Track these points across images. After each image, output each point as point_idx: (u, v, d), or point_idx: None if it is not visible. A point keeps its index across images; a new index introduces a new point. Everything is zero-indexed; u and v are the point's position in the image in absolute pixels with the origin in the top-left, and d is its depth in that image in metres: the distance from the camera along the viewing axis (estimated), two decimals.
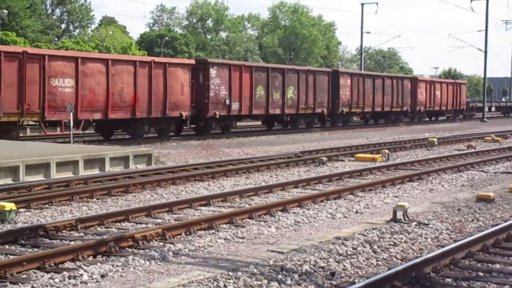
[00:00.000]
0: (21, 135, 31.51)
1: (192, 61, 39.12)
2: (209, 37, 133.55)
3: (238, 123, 44.87)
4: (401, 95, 59.61)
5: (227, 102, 39.22)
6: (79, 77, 30.67)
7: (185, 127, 38.78)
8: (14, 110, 28.42)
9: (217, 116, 38.48)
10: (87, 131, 34.26)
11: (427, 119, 66.95)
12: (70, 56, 31.75)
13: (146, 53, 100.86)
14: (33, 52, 30.60)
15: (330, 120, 51.10)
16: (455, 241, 11.69)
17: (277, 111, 44.04)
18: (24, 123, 30.96)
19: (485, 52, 73.36)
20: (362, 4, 76.60)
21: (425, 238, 12.12)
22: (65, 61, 30.54)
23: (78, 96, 30.67)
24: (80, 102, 30.75)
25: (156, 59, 37.89)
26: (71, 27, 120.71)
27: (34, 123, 31.47)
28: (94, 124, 33.10)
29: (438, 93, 66.41)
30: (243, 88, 40.40)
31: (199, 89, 37.52)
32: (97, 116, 31.91)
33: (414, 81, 63.29)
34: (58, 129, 32.72)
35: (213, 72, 38.28)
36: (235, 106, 39.90)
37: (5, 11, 66.67)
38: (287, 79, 44.55)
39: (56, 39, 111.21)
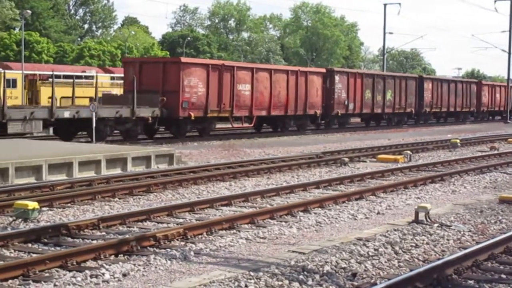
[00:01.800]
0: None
1: (323, 70, 48.18)
2: (231, 37, 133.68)
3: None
4: (469, 97, 67.21)
5: (346, 103, 47.86)
6: (254, 83, 39.34)
7: (310, 124, 46.45)
8: (216, 108, 37.01)
9: (339, 114, 47.50)
10: (235, 125, 40.80)
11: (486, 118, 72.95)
12: (249, 67, 40.94)
13: (168, 53, 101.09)
14: (227, 64, 39.50)
15: (415, 118, 59.25)
16: (477, 243, 11.63)
17: (379, 110, 52.64)
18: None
19: (509, 53, 72.92)
20: (385, 5, 76.38)
21: (447, 239, 12.08)
22: (245, 71, 39.47)
23: (253, 98, 39.42)
24: (254, 102, 39.53)
25: (301, 68, 46.54)
26: (93, 27, 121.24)
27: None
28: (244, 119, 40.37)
29: (498, 95, 74.04)
30: (356, 91, 48.99)
31: (326, 93, 46.12)
32: (263, 113, 40.67)
33: (479, 85, 70.42)
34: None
35: (337, 78, 47.12)
36: (351, 106, 48.57)
37: (29, 11, 67.17)
38: (387, 84, 53.16)
39: (79, 39, 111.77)
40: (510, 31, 72.20)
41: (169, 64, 36.45)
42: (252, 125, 40.96)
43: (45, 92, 44.58)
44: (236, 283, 9.04)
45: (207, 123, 37.37)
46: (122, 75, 41.88)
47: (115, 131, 33.28)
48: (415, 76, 61.03)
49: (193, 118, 35.44)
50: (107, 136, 31.66)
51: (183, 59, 37.83)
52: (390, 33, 79.89)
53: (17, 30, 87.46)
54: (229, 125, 40.01)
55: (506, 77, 79.45)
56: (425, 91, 58.60)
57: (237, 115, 39.06)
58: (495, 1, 70.85)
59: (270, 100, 40.56)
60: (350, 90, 48.07)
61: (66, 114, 30.15)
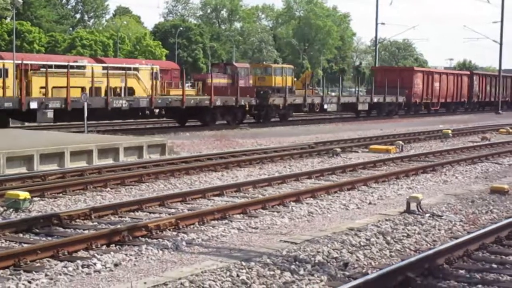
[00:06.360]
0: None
1: (468, 72, 73.26)
2: (224, 27, 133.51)
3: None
4: None
5: (478, 93, 70.95)
6: (440, 82, 63.74)
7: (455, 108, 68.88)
8: (425, 97, 61.46)
9: (474, 101, 70.74)
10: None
11: None
12: (437, 72, 66.69)
13: (160, 43, 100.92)
14: (431, 70, 67.56)
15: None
16: (468, 233, 11.67)
17: (492, 99, 73.96)
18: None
19: (501, 44, 73.03)
20: None
21: (439, 229, 12.10)
22: (436, 74, 64.37)
23: (440, 91, 63.51)
24: (440, 93, 63.60)
25: (459, 72, 74.80)
26: (85, 17, 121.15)
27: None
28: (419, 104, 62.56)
29: None
30: (482, 86, 72.29)
31: (469, 87, 69.49)
32: (442, 100, 64.66)
33: None
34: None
35: (474, 78, 70.58)
36: (481, 96, 71.92)
37: (20, 0, 66.64)
38: (497, 81, 74.17)
39: (70, 29, 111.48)
40: (501, 22, 72.31)
41: (404, 71, 64.50)
42: (438, 108, 63.91)
43: (36, 82, 44.32)
44: (228, 273, 9.04)
45: (420, 106, 61.24)
46: (115, 65, 42.05)
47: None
48: None
49: (417, 103, 60.00)
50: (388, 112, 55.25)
51: (415, 68, 69.07)
52: (382, 23, 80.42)
53: (8, 19, 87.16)
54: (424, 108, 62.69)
55: (497, 68, 79.52)
56: None
57: (433, 102, 62.72)
58: None
59: (446, 92, 64.59)
60: (480, 86, 71.58)
61: (298, 101, 45.42)
